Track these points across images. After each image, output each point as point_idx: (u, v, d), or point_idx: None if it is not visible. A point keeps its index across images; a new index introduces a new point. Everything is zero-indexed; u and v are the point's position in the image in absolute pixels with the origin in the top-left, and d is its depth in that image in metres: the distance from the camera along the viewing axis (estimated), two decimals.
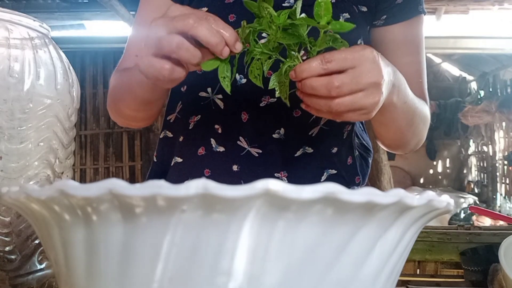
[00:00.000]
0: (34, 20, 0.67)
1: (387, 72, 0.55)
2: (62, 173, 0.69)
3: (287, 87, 0.58)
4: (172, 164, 0.80)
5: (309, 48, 0.55)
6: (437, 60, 6.67)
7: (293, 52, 0.56)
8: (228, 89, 0.55)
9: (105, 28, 4.93)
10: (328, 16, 0.53)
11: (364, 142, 0.89)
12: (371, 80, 0.52)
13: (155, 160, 0.85)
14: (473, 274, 1.10)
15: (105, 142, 5.30)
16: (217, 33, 0.50)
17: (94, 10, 3.75)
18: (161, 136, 0.84)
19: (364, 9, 0.78)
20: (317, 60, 0.51)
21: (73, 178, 0.65)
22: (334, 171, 0.78)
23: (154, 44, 0.51)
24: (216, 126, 0.76)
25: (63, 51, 0.72)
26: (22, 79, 0.62)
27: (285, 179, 0.75)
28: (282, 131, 0.75)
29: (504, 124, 5.78)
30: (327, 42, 0.54)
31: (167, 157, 0.82)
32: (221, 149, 0.76)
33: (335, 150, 0.79)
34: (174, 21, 0.50)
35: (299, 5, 0.54)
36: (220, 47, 0.50)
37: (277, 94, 0.58)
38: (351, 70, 0.51)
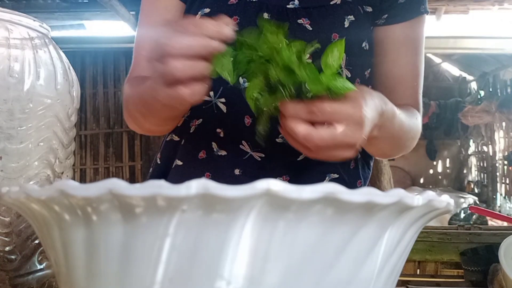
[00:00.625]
0: (34, 20, 0.67)
1: (371, 121, 0.55)
2: (62, 173, 0.69)
3: (267, 118, 0.56)
4: (173, 167, 0.80)
5: (304, 91, 0.53)
6: (437, 60, 6.67)
7: (287, 90, 0.54)
8: (230, 79, 0.53)
9: (105, 28, 4.93)
10: (336, 67, 0.51)
11: None
12: (350, 141, 0.53)
13: (159, 162, 0.85)
14: (473, 274, 1.10)
15: (105, 142, 5.30)
16: (198, 40, 0.48)
17: (94, 10, 3.75)
18: (167, 139, 0.84)
19: (369, 9, 0.77)
20: (305, 106, 0.51)
21: (73, 178, 0.65)
22: (336, 175, 0.78)
23: (161, 77, 0.51)
24: (218, 130, 0.75)
25: (63, 51, 0.72)
26: (22, 79, 0.62)
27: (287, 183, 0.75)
28: None
29: (504, 124, 5.78)
30: (324, 91, 0.52)
31: (169, 160, 0.82)
32: (223, 153, 0.75)
33: None
34: (162, 50, 0.49)
35: (308, 51, 0.53)
36: (209, 50, 0.49)
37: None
38: (334, 126, 0.51)
